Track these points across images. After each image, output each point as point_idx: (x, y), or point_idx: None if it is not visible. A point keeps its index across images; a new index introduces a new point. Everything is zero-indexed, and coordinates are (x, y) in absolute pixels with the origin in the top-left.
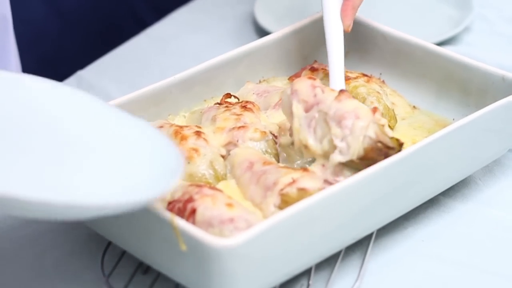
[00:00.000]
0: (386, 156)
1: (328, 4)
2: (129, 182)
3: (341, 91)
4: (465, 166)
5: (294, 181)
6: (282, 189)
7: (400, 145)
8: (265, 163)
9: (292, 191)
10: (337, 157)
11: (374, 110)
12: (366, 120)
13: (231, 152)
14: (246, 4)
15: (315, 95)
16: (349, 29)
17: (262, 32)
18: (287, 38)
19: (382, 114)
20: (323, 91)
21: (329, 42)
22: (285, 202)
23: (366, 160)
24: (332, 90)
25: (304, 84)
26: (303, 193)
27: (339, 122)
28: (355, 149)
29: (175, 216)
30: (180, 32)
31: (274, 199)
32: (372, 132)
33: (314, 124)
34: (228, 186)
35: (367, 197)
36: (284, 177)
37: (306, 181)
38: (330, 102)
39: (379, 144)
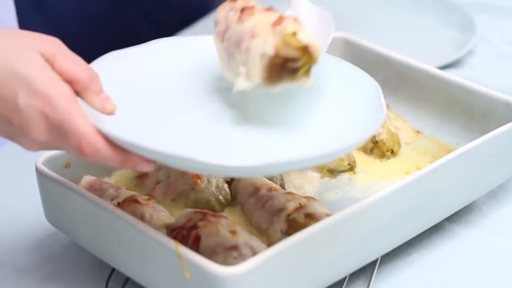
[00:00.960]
0: (292, 71)
1: None
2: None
3: (243, 9)
4: (470, 191)
5: (301, 207)
6: (289, 215)
7: (307, 53)
8: (271, 189)
9: (299, 216)
10: (241, 84)
11: (278, 20)
12: (262, 36)
13: (235, 178)
14: None
15: (226, 20)
16: None
17: None
18: None
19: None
20: (235, 13)
21: None
22: (292, 227)
23: (273, 82)
24: (244, 9)
25: (222, 10)
26: (310, 219)
27: (238, 47)
28: (253, 73)
29: (179, 243)
30: None
31: (281, 224)
32: (269, 48)
33: (228, 54)
34: (233, 212)
35: (372, 223)
36: (291, 202)
37: (313, 207)
38: (234, 25)
39: (277, 60)
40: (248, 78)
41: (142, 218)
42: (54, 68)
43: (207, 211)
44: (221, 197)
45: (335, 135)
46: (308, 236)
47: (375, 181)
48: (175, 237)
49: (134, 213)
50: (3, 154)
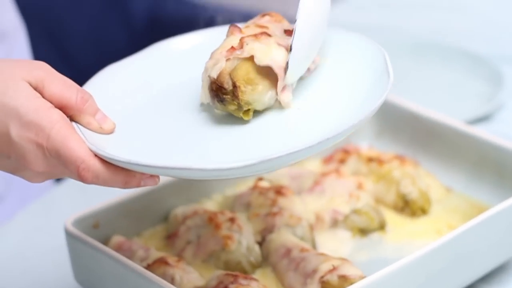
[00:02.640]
0: (219, 99)
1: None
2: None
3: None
4: (503, 251)
5: (334, 268)
6: (322, 277)
7: (234, 88)
8: (303, 249)
9: (333, 278)
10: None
11: (234, 48)
12: (216, 58)
13: (266, 239)
14: None
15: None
16: None
17: None
18: None
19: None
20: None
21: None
22: None
23: (217, 105)
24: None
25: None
26: (344, 280)
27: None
28: (202, 93)
29: None
30: None
31: (314, 286)
32: (215, 71)
33: None
34: (265, 273)
35: (405, 285)
36: (324, 264)
37: (347, 269)
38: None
39: (214, 85)
40: (202, 98)
41: (172, 280)
42: (44, 94)
43: (238, 273)
44: (252, 258)
45: (339, 115)
46: None
47: (407, 240)
48: None
49: (164, 275)
50: (30, 212)
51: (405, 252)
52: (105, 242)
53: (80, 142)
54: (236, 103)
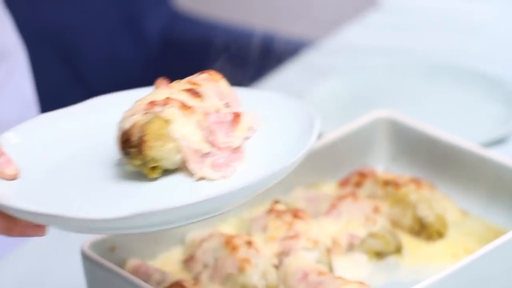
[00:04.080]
0: (125, 152)
1: None
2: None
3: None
4: None
5: None
6: None
7: (142, 143)
8: (320, 273)
9: None
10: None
11: (155, 103)
12: (134, 109)
13: (283, 262)
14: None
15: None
16: None
17: None
18: (335, 143)
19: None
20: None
21: None
22: None
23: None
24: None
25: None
26: None
27: None
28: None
29: None
30: None
31: None
32: (129, 122)
33: None
34: None
35: None
36: (342, 287)
37: None
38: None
39: (122, 138)
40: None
41: None
42: None
43: None
44: (269, 282)
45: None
46: None
47: (423, 264)
48: None
49: None
50: (46, 235)
51: (421, 276)
52: (122, 265)
53: None
54: (142, 159)
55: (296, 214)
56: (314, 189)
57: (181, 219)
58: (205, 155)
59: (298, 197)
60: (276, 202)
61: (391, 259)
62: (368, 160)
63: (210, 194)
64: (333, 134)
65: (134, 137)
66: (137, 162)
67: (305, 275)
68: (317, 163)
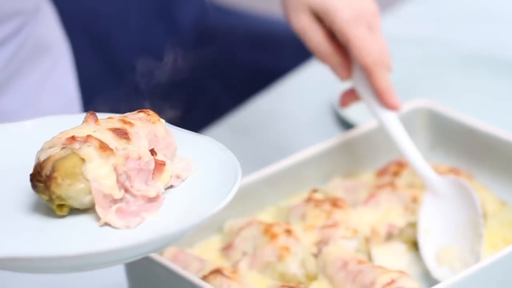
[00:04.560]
0: (33, 184)
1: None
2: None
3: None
4: None
5: (392, 281)
6: None
7: (49, 178)
8: (360, 262)
9: None
10: None
11: (75, 139)
12: (54, 141)
13: (322, 251)
14: (324, 91)
15: None
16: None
17: (342, 119)
18: (373, 132)
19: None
20: None
21: (401, 147)
22: None
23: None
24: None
25: None
26: None
27: None
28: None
29: None
30: (260, 121)
31: None
32: (44, 155)
33: None
34: (321, 286)
35: None
36: (382, 276)
37: (405, 281)
38: None
39: (34, 170)
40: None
41: None
42: None
43: (294, 285)
44: (308, 271)
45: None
46: None
47: None
48: None
49: (220, 286)
50: None
51: None
52: (160, 253)
53: None
54: (48, 194)
55: (334, 203)
56: (352, 178)
57: (59, 268)
58: (117, 200)
59: (336, 186)
60: (314, 191)
61: None
62: None
63: (91, 249)
64: (371, 123)
65: (44, 171)
66: (44, 197)
67: (345, 264)
68: (355, 152)
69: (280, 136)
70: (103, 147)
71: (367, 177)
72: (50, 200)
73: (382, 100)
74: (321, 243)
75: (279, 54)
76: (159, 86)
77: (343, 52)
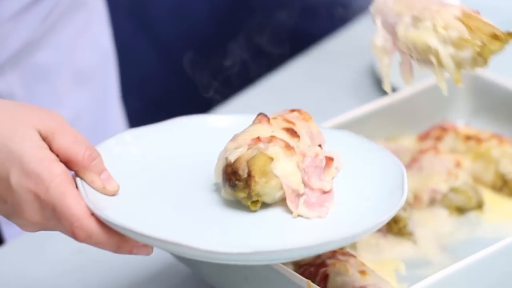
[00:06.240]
0: (231, 184)
1: None
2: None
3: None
4: None
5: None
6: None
7: (249, 177)
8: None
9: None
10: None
11: (268, 139)
12: (238, 142)
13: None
14: (363, 55)
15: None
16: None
17: (380, 83)
18: (415, 96)
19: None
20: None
21: None
22: (468, 17)
23: (229, 189)
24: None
25: None
26: (490, 26)
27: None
28: (215, 173)
29: (311, 282)
30: (298, 83)
31: (455, 10)
32: (234, 155)
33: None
34: None
35: (506, 266)
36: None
37: None
38: None
39: (228, 168)
40: (215, 177)
41: None
42: (52, 146)
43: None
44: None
45: (345, 221)
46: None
47: (505, 220)
48: (302, 274)
49: None
50: None
51: (503, 232)
52: None
53: (78, 199)
54: (247, 192)
55: None
56: (393, 142)
57: (297, 257)
58: (300, 194)
59: None
60: None
61: (472, 215)
62: (448, 114)
63: (332, 237)
64: (413, 87)
65: (242, 171)
66: (242, 194)
67: None
68: (397, 116)
69: (317, 101)
70: (288, 146)
71: (409, 141)
72: (248, 197)
73: None
74: None
75: (316, 17)
76: (193, 50)
77: None
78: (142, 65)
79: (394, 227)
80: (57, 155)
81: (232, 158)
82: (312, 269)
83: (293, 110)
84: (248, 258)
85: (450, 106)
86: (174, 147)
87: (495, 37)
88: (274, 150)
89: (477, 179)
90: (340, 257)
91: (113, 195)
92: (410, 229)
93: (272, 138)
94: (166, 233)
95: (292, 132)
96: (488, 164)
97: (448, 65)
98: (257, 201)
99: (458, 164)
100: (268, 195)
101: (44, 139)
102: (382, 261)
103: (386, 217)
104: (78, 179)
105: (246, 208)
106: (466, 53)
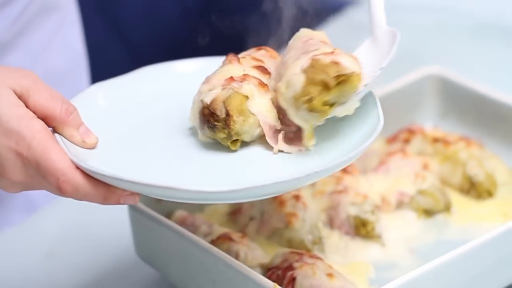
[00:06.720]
0: (210, 125)
1: None
2: None
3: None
4: None
5: (332, 53)
6: (316, 55)
7: (227, 117)
8: None
9: (325, 59)
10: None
11: (233, 79)
12: (212, 83)
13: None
14: None
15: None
16: None
17: None
18: (383, 99)
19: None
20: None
21: None
22: (312, 67)
23: (207, 132)
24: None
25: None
26: (336, 66)
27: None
28: (192, 116)
29: (277, 285)
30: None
31: (304, 61)
32: (209, 97)
33: None
34: None
35: (472, 268)
36: (327, 48)
37: (344, 59)
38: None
39: (206, 110)
40: (191, 120)
41: (236, 256)
42: (28, 104)
43: (303, 251)
44: (315, 238)
45: (330, 153)
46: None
47: (472, 223)
48: (269, 277)
49: (228, 251)
50: None
51: (471, 234)
52: (168, 216)
53: (62, 154)
54: (226, 132)
55: (345, 169)
56: None
57: (286, 190)
58: (278, 130)
59: None
60: None
61: (440, 217)
62: (416, 117)
63: (319, 166)
64: (381, 90)
65: (220, 112)
66: (221, 135)
67: None
68: None
69: None
70: (261, 83)
71: (377, 144)
72: (228, 137)
73: None
74: (330, 209)
75: (286, 19)
76: (165, 51)
77: None
78: (114, 67)
79: (362, 230)
80: (34, 112)
81: (207, 100)
82: (279, 272)
83: (259, 48)
84: (240, 195)
85: (418, 109)
86: (145, 96)
87: (326, 86)
88: (248, 88)
89: (444, 182)
90: (308, 260)
91: (92, 148)
92: (378, 232)
93: (245, 77)
94: (154, 179)
95: (263, 70)
96: (455, 166)
97: (303, 127)
98: (236, 140)
99: (425, 167)
100: (247, 133)
101: (20, 97)
102: (352, 264)
103: (368, 143)
104: (56, 135)
105: (226, 149)
106: (303, 111)
